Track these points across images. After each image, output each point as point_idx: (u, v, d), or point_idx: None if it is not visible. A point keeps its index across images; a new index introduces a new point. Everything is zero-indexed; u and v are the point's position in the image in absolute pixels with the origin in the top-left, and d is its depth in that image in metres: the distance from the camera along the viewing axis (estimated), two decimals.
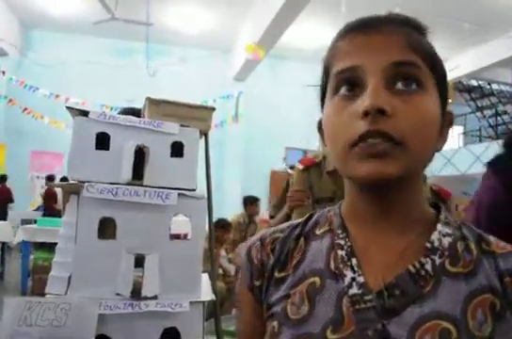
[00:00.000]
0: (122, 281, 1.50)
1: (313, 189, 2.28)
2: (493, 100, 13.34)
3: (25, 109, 8.74)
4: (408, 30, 0.60)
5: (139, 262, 1.51)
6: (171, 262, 1.57)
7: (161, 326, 1.54)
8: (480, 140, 12.91)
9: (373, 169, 0.54)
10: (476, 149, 10.86)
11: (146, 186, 1.56)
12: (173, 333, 1.55)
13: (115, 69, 10.13)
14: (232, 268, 4.64)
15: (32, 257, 5.02)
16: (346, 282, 0.59)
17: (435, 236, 0.60)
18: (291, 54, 10.71)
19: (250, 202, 5.73)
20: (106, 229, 1.56)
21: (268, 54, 8.88)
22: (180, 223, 2.46)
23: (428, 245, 0.59)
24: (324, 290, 0.60)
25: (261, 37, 8.06)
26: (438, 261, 0.58)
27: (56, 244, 1.57)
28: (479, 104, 13.48)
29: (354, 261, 0.60)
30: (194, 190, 1.66)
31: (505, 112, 13.14)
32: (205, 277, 1.89)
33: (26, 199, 9.21)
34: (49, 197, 8.29)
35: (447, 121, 0.64)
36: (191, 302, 1.56)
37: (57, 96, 8.46)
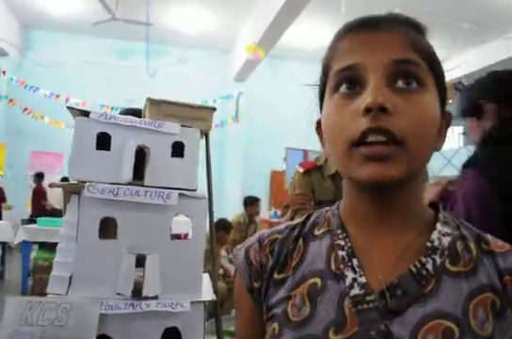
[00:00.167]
0: (123, 280, 1.50)
1: (315, 192, 2.28)
2: None
3: (26, 109, 8.73)
4: (408, 29, 0.61)
5: (140, 262, 1.51)
6: (172, 262, 1.57)
7: (162, 326, 1.54)
8: None
9: (375, 172, 0.54)
10: None
11: (147, 186, 1.57)
12: (174, 333, 1.55)
13: (115, 69, 10.13)
14: (232, 269, 4.64)
15: (32, 257, 5.02)
16: (348, 283, 0.59)
17: (435, 236, 0.60)
18: (291, 54, 10.70)
19: (251, 203, 5.74)
20: (107, 229, 1.56)
21: (268, 54, 8.87)
22: (181, 223, 2.46)
23: (428, 244, 0.60)
24: (325, 291, 0.60)
25: (261, 37, 8.06)
26: (438, 260, 0.59)
27: (56, 244, 1.56)
28: None
29: (355, 261, 0.60)
30: (195, 190, 1.66)
31: None
32: (206, 277, 1.89)
33: (27, 199, 9.21)
34: (38, 194, 8.31)
35: (446, 121, 0.64)
36: (192, 302, 1.56)
37: (58, 96, 8.46)
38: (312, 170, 2.33)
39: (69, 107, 1.62)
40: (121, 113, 2.14)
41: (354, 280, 0.59)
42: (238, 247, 0.74)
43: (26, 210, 8.76)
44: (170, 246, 1.59)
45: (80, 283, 1.50)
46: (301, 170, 2.36)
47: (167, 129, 1.64)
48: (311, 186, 2.30)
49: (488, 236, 0.63)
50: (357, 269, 0.60)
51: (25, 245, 5.12)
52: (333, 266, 0.62)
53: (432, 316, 0.55)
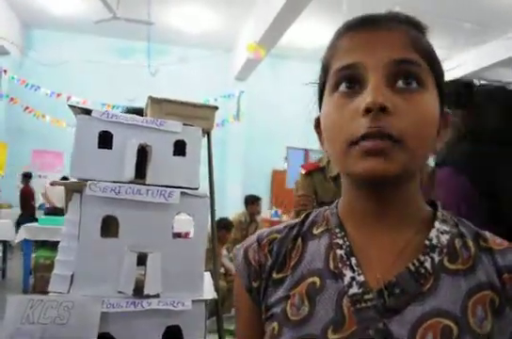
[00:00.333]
0: (125, 279, 1.51)
1: (317, 193, 2.29)
2: None
3: (27, 108, 8.72)
4: (409, 28, 0.60)
5: (142, 260, 1.52)
6: (174, 260, 1.57)
7: (163, 324, 1.54)
8: None
9: (372, 167, 0.54)
10: None
11: (149, 185, 1.57)
12: (175, 332, 1.55)
13: (116, 68, 10.12)
14: (233, 267, 4.64)
15: (33, 255, 5.03)
16: (346, 282, 0.59)
17: (433, 234, 0.60)
18: (292, 53, 10.69)
19: (252, 202, 5.74)
20: (109, 227, 1.56)
21: (269, 53, 8.86)
22: (182, 222, 2.47)
23: (427, 242, 0.60)
24: (324, 290, 0.60)
25: (262, 36, 8.05)
26: (437, 258, 0.59)
27: (57, 242, 1.57)
28: None
29: (353, 260, 0.60)
30: (197, 189, 1.66)
31: None
32: (207, 275, 1.89)
33: None
34: (25, 195, 8.30)
35: (445, 121, 0.64)
36: (193, 301, 1.56)
37: (59, 95, 8.45)
38: (315, 172, 2.34)
39: (70, 106, 1.63)
40: (124, 112, 2.14)
41: (352, 278, 0.59)
42: (237, 247, 0.74)
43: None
44: (172, 244, 1.59)
45: (82, 282, 1.51)
46: (303, 172, 2.37)
47: (168, 127, 1.64)
48: (313, 188, 2.31)
49: (487, 234, 0.63)
50: (355, 268, 0.60)
51: (26, 243, 5.12)
52: (332, 265, 0.62)
53: (430, 315, 0.55)
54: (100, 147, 1.57)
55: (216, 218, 2.75)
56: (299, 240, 0.68)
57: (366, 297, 0.57)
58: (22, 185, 8.51)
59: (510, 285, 0.57)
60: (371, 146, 0.54)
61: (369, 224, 0.63)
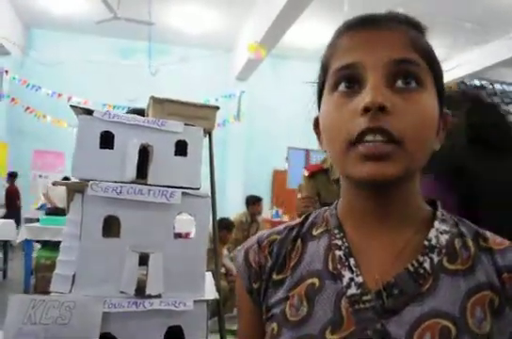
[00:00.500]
0: (126, 279, 1.51)
1: (321, 195, 2.29)
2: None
3: (28, 108, 8.73)
4: (408, 28, 0.60)
5: (143, 260, 1.52)
6: (175, 260, 1.57)
7: (165, 324, 1.54)
8: None
9: (373, 171, 0.54)
10: None
11: (150, 185, 1.57)
12: (177, 332, 1.55)
13: (117, 68, 10.12)
14: (234, 267, 4.64)
15: (35, 255, 5.03)
16: (345, 283, 0.59)
17: (432, 234, 0.60)
18: (293, 53, 10.69)
19: (253, 202, 5.74)
20: (111, 227, 1.56)
21: (270, 53, 8.86)
22: (184, 222, 2.47)
23: (426, 243, 0.59)
24: (322, 291, 0.60)
25: (263, 36, 8.04)
26: (436, 259, 0.58)
27: (58, 242, 1.57)
28: None
29: (352, 261, 0.60)
30: (198, 189, 1.66)
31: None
32: (209, 276, 1.89)
33: (29, 198, 9.22)
34: (11, 194, 8.33)
35: (444, 121, 0.64)
36: (195, 301, 1.57)
37: (60, 95, 8.46)
38: (318, 174, 2.33)
39: (72, 106, 1.63)
40: (129, 112, 2.14)
41: (351, 279, 0.59)
42: (238, 248, 0.74)
43: (30, 208, 8.80)
44: (173, 244, 1.59)
45: (83, 282, 1.51)
46: (306, 174, 2.36)
47: (170, 128, 1.64)
48: (316, 189, 2.30)
49: (487, 233, 0.63)
50: (354, 269, 0.60)
51: (28, 243, 5.13)
52: (331, 266, 0.62)
53: (429, 316, 0.55)
54: (101, 147, 1.58)
55: (218, 219, 2.75)
56: (299, 241, 0.68)
57: (364, 298, 0.57)
58: (7, 185, 8.53)
59: (510, 285, 0.57)
60: (371, 149, 0.54)
61: (368, 224, 0.62)
